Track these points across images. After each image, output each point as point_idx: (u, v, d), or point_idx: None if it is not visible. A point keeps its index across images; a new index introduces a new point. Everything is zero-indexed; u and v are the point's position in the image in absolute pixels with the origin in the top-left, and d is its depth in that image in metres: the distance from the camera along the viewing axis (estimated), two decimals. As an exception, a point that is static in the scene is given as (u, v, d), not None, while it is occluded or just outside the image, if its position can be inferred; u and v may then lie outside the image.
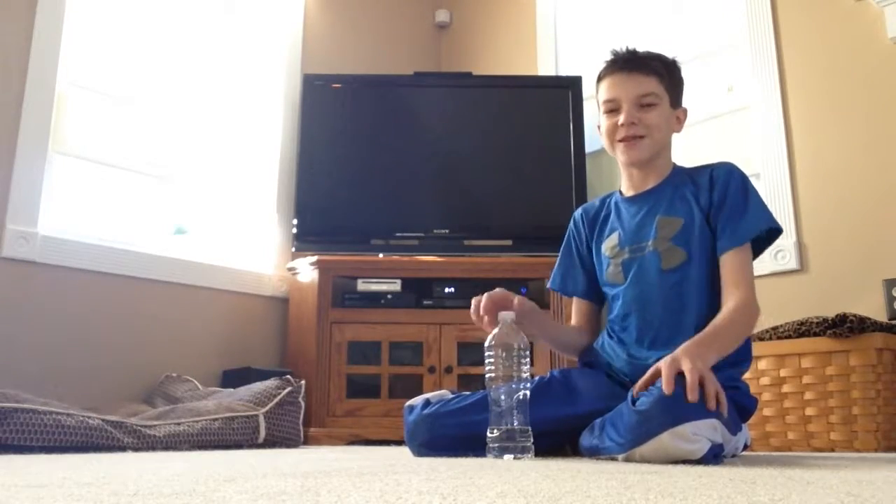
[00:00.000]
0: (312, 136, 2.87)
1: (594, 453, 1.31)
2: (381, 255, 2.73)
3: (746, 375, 1.63)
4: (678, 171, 1.60)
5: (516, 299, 1.48)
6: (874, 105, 2.32)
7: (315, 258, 2.64)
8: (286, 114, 3.05)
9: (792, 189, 2.44)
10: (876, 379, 1.86)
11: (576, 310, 1.71)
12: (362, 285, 2.62)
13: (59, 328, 2.32)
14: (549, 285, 1.76)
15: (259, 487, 0.75)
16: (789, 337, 1.98)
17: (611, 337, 1.58)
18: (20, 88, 2.33)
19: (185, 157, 2.78)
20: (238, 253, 2.85)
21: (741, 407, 1.39)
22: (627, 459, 1.20)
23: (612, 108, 1.54)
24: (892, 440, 1.87)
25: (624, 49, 1.56)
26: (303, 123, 2.89)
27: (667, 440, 1.15)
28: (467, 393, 1.51)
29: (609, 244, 1.61)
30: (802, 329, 1.96)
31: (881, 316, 2.13)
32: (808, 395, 1.94)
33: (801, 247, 2.40)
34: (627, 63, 1.53)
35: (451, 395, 1.51)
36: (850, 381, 1.88)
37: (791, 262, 2.39)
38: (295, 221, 2.81)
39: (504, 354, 1.32)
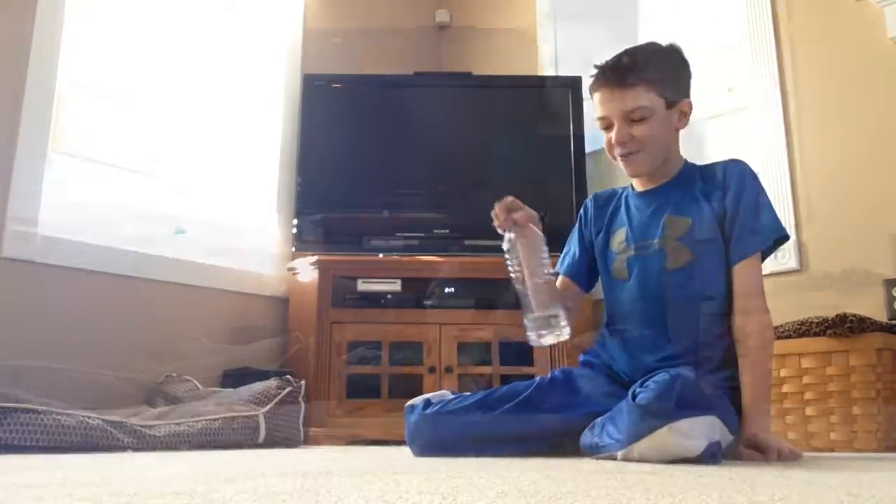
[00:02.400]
0: (312, 136, 2.86)
1: (594, 451, 1.31)
2: (380, 255, 2.73)
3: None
4: (689, 167, 1.58)
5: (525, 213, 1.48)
6: (875, 105, 2.32)
7: (315, 258, 2.63)
8: (286, 113, 3.04)
9: (792, 189, 2.44)
10: (876, 379, 1.86)
11: (564, 288, 1.68)
12: (362, 285, 2.62)
13: (59, 328, 2.32)
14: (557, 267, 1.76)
15: (259, 487, 0.75)
16: (789, 337, 1.98)
17: (612, 336, 1.58)
18: (20, 88, 2.32)
19: (185, 157, 2.77)
20: (238, 253, 2.85)
21: (740, 406, 1.39)
22: (626, 457, 1.20)
23: (606, 125, 1.53)
24: (893, 440, 1.87)
25: (608, 60, 1.52)
26: (303, 123, 2.89)
27: (665, 436, 1.15)
28: (468, 393, 1.51)
29: (617, 239, 1.60)
30: (802, 329, 1.96)
31: (881, 316, 2.14)
32: (808, 395, 1.94)
33: (800, 246, 2.41)
34: (612, 78, 1.49)
35: (451, 396, 1.51)
36: (850, 381, 1.88)
37: (791, 262, 2.39)
38: (295, 221, 2.80)
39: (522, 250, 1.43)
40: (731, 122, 2.66)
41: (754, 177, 1.52)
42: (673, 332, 1.47)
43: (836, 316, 1.91)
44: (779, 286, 2.37)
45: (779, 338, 1.99)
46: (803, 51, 2.49)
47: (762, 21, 2.59)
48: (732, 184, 1.50)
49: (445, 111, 2.96)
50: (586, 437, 1.35)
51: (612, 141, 1.51)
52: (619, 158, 1.54)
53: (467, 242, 2.77)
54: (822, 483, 0.46)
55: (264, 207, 2.95)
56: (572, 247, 1.71)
